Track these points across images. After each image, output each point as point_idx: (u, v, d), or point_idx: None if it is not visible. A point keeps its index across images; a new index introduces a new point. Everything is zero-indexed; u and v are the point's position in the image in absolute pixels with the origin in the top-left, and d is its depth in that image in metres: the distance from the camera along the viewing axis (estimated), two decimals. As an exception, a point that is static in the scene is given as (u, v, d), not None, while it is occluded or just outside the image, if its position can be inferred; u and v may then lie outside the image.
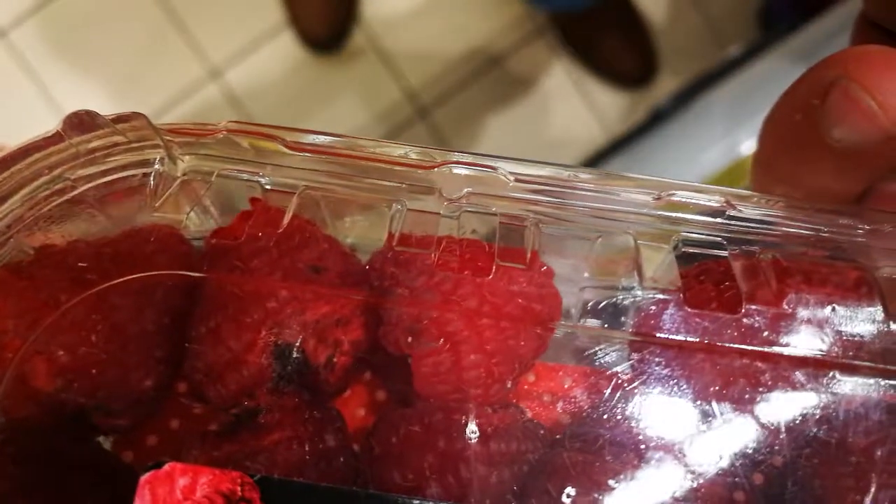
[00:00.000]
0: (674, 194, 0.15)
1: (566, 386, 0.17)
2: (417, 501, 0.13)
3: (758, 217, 0.15)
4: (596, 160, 0.78)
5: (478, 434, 0.15)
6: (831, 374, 0.14)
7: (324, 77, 1.15)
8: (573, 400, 0.16)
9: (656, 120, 0.76)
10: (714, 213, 0.15)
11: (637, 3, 1.14)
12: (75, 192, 0.15)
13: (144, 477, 0.13)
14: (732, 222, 0.15)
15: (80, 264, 0.15)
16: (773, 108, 0.17)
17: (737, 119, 0.68)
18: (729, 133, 0.67)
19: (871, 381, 0.14)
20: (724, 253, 0.15)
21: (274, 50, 1.15)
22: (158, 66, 1.13)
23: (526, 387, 0.17)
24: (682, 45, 1.16)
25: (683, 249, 0.16)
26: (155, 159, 0.15)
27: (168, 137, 0.15)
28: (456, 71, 1.17)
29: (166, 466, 0.13)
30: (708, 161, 0.67)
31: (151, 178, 0.15)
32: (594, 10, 1.03)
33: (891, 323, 0.14)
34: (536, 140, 1.14)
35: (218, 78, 1.14)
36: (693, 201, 0.15)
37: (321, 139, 0.16)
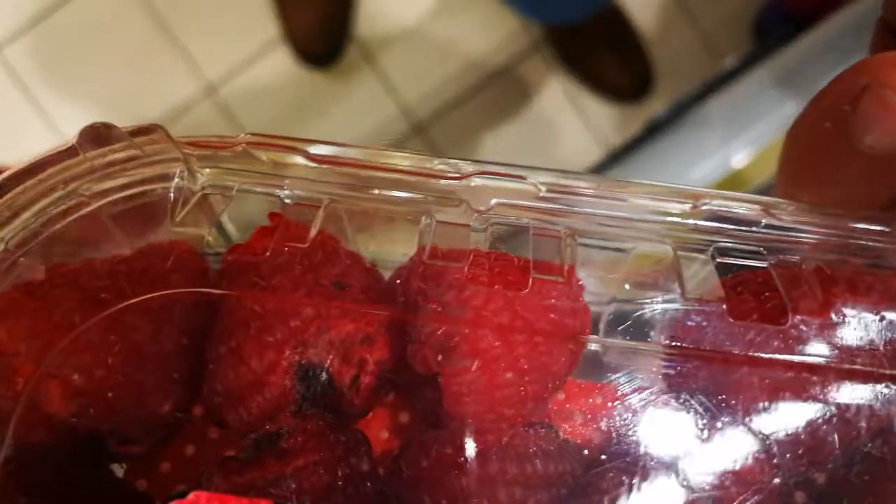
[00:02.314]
0: (709, 203, 0.15)
1: (601, 404, 0.16)
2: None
3: (795, 226, 0.15)
4: (592, 173, 0.78)
5: (514, 455, 0.14)
6: (882, 385, 0.14)
7: (319, 92, 1.15)
8: (610, 418, 0.16)
9: (651, 133, 0.76)
10: (750, 222, 0.15)
11: (631, 18, 1.15)
12: (91, 208, 0.14)
13: (168, 508, 0.12)
14: (770, 231, 0.15)
15: (94, 283, 0.14)
16: (799, 116, 0.16)
17: (731, 131, 0.68)
18: (723, 145, 0.67)
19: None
20: (763, 263, 0.15)
21: (269, 65, 1.15)
22: (154, 82, 1.13)
23: (558, 405, 0.16)
24: (676, 59, 1.17)
25: (720, 259, 0.15)
26: (174, 173, 0.14)
27: (187, 151, 0.14)
28: (451, 86, 1.17)
29: (191, 496, 0.12)
30: (702, 173, 0.67)
31: (171, 193, 0.14)
32: (588, 25, 1.04)
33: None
34: (532, 155, 1.14)
35: (213, 93, 1.14)
36: (729, 210, 0.15)
37: (344, 151, 0.15)
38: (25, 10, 1.12)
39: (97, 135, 0.14)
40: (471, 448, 0.14)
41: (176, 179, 0.14)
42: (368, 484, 0.14)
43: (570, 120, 1.16)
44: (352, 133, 1.13)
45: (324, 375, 0.14)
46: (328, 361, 0.14)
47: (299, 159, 0.15)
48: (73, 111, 1.08)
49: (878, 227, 0.15)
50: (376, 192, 0.15)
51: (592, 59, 1.11)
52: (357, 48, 1.14)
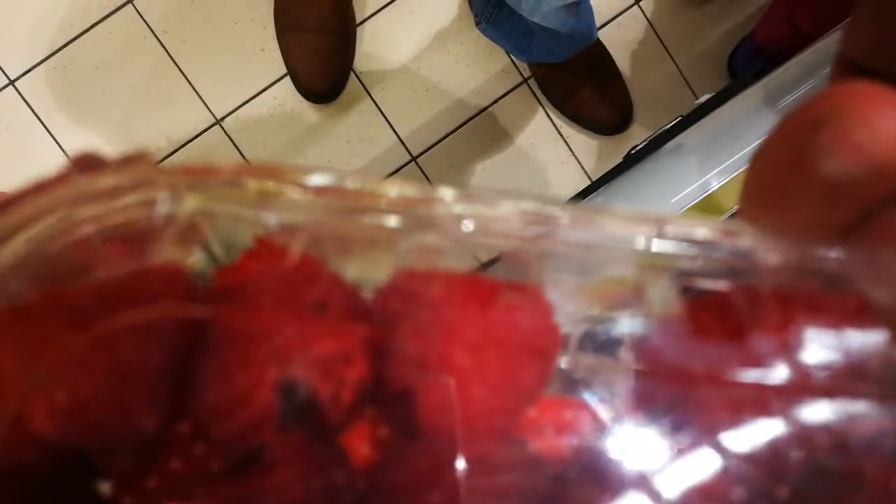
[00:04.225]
0: (672, 227, 0.16)
1: (569, 419, 0.17)
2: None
3: (754, 249, 0.16)
4: (575, 201, 0.80)
5: (486, 467, 0.15)
6: (839, 401, 0.14)
7: (319, 125, 1.17)
8: (576, 433, 0.16)
9: (631, 163, 0.78)
10: (711, 244, 0.16)
11: (612, 55, 1.18)
12: (80, 233, 0.15)
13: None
14: (731, 254, 0.16)
15: (82, 304, 0.15)
16: (762, 144, 0.17)
17: (707, 160, 0.70)
18: (699, 174, 0.69)
19: (880, 407, 0.14)
20: (723, 284, 0.16)
21: (272, 98, 1.17)
22: (161, 114, 1.15)
23: (529, 419, 0.17)
24: (655, 94, 1.20)
25: (682, 281, 0.16)
26: (162, 199, 0.15)
27: (174, 178, 0.15)
28: (442, 119, 1.19)
29: (170, 506, 0.13)
30: (680, 201, 0.69)
31: (157, 219, 0.15)
32: (572, 62, 1.06)
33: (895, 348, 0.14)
34: (519, 184, 1.16)
35: (216, 125, 1.15)
36: (690, 233, 0.16)
37: (326, 178, 0.16)
38: (39, 43, 1.14)
39: (87, 162, 0.15)
40: (444, 460, 0.14)
41: (162, 206, 0.15)
42: (348, 496, 0.15)
43: (555, 150, 1.18)
44: (351, 165, 1.16)
45: (305, 391, 0.15)
46: (309, 378, 0.15)
47: (285, 186, 0.16)
48: (82, 141, 1.10)
49: (834, 251, 0.16)
50: (358, 217, 0.16)
51: (576, 95, 1.14)
52: (356, 83, 1.17)
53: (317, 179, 0.16)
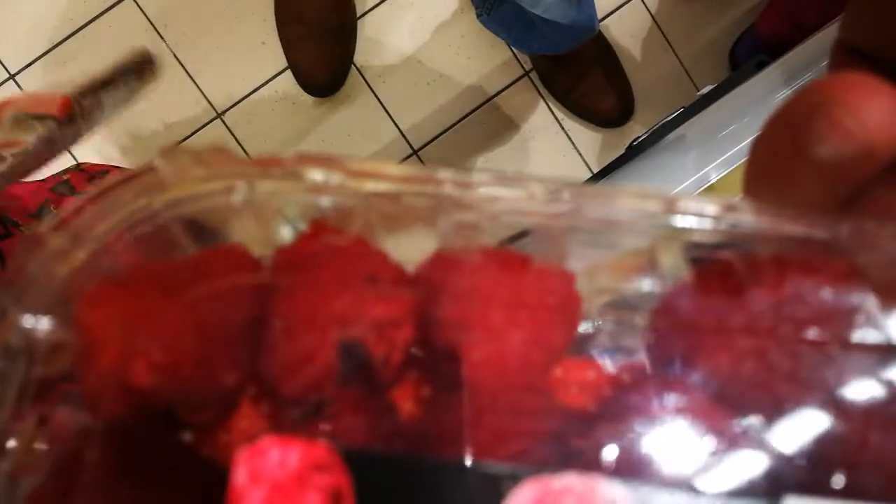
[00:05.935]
0: (680, 204, 0.18)
1: (591, 378, 0.19)
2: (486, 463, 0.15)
3: (755, 222, 0.18)
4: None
5: (523, 414, 0.17)
6: (825, 350, 0.17)
7: (319, 118, 1.18)
8: (599, 389, 0.19)
9: (632, 156, 0.80)
10: (716, 219, 0.18)
11: (614, 48, 1.19)
12: (164, 217, 0.17)
13: (241, 453, 0.15)
14: (733, 227, 0.18)
15: (170, 277, 0.17)
16: (762, 129, 0.19)
17: (707, 153, 0.71)
18: (699, 167, 0.71)
19: (861, 360, 0.17)
20: (728, 253, 0.18)
21: (272, 91, 1.18)
22: (160, 108, 1.16)
23: (556, 378, 0.19)
24: (657, 86, 1.21)
25: (691, 252, 0.18)
26: (236, 187, 0.17)
27: (247, 168, 0.17)
28: (443, 112, 1.20)
29: (260, 440, 0.15)
30: (681, 191, 0.71)
31: (231, 205, 0.17)
32: (574, 54, 1.08)
33: (879, 308, 0.17)
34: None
35: (217, 119, 1.16)
36: (697, 209, 0.18)
37: (374, 166, 0.18)
38: (39, 37, 1.15)
39: (170, 155, 0.17)
40: (486, 409, 0.17)
41: (237, 193, 0.17)
42: (400, 442, 0.17)
43: (557, 143, 1.20)
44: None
45: (362, 351, 0.17)
46: (365, 339, 0.17)
47: (338, 173, 0.18)
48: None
49: (829, 223, 0.18)
50: (401, 200, 0.18)
51: (578, 87, 1.15)
52: (357, 77, 1.18)
53: (368, 166, 0.18)
